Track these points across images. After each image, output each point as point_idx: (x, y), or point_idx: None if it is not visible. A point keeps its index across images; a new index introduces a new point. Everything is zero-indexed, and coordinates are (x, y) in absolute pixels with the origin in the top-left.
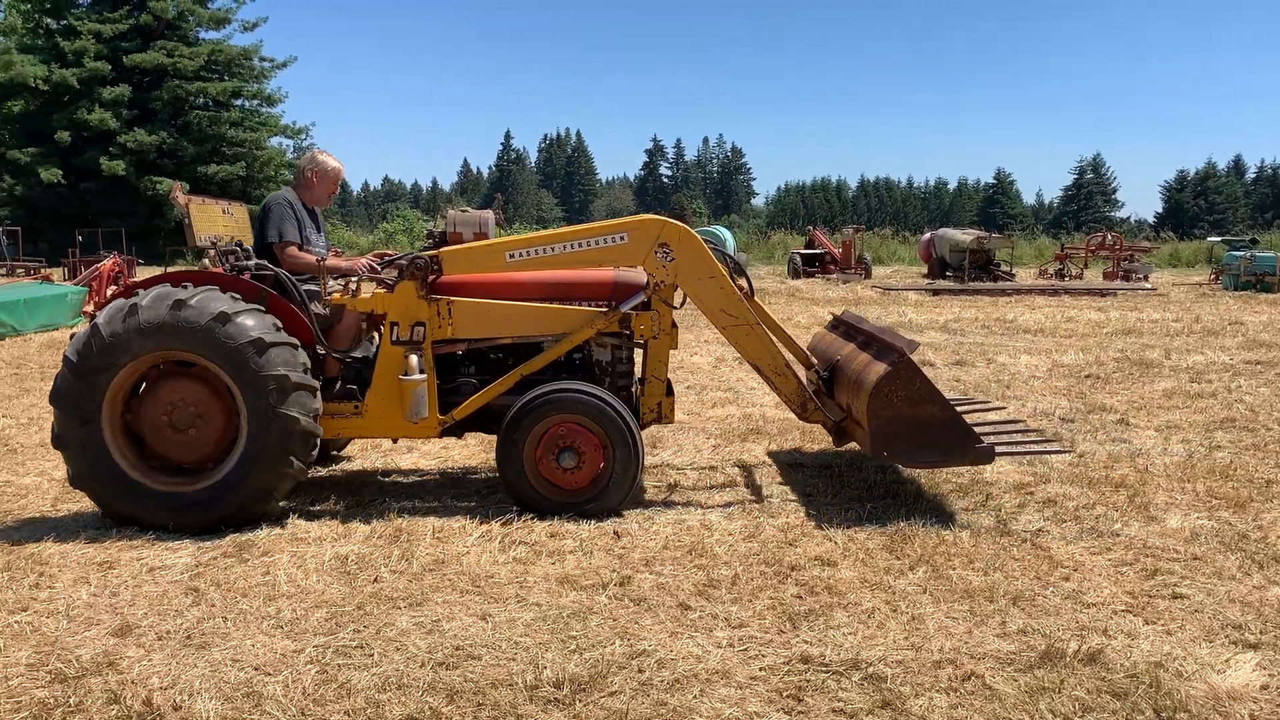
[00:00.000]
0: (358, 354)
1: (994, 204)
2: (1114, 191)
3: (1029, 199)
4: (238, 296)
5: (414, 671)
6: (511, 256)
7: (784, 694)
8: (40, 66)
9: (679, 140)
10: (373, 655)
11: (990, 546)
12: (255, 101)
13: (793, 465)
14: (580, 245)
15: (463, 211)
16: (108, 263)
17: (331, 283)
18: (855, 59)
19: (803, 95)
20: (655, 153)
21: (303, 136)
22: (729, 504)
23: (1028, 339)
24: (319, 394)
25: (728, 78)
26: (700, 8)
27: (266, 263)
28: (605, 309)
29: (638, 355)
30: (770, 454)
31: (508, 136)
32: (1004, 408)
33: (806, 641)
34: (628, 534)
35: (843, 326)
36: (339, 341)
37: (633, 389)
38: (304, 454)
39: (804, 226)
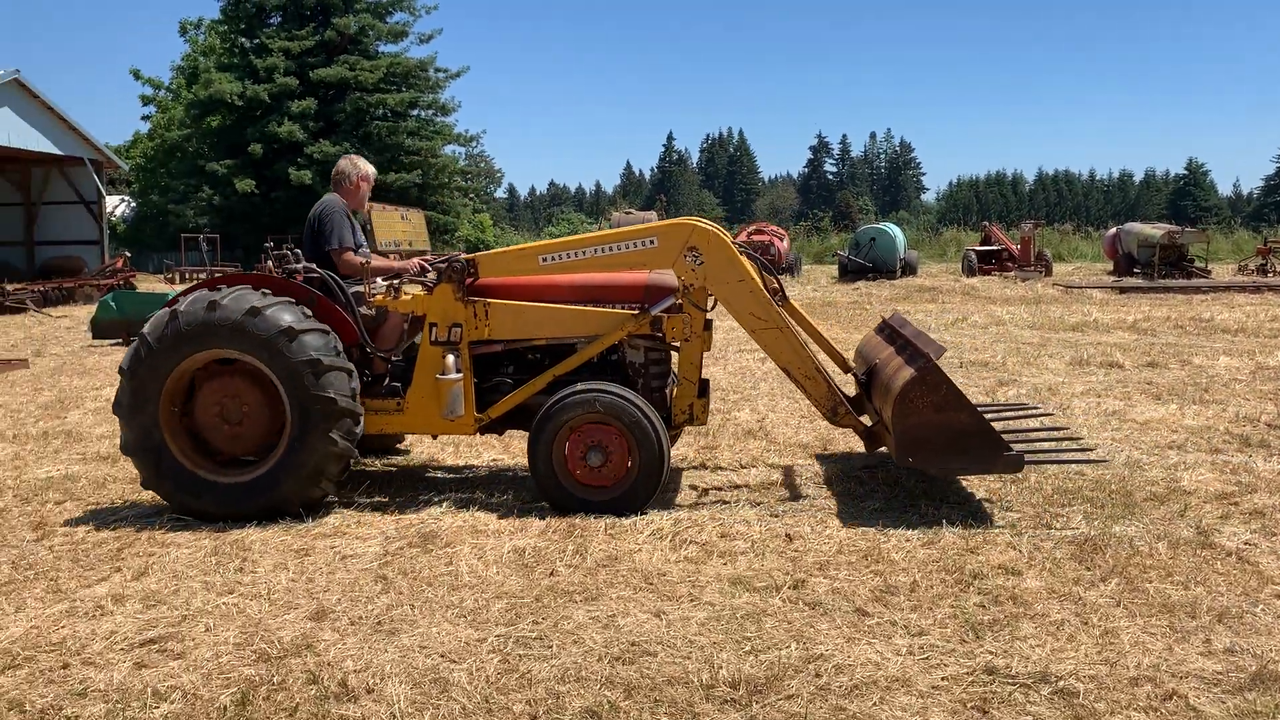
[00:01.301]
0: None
1: (1185, 196)
2: None
3: (1224, 190)
4: (268, 292)
5: (591, 665)
6: (544, 260)
7: (968, 705)
8: (236, 83)
9: (844, 136)
10: (551, 647)
11: (1190, 559)
12: (430, 111)
13: None
14: (611, 249)
15: (626, 213)
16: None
17: (379, 281)
18: (1029, 45)
19: (975, 86)
20: (819, 149)
21: (473, 144)
22: (906, 508)
23: (1227, 339)
24: (355, 374)
25: (896, 71)
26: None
27: (314, 265)
28: (636, 311)
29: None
30: None
31: (670, 138)
32: (1050, 414)
33: (991, 652)
34: (800, 537)
35: (886, 330)
36: (384, 341)
37: (667, 391)
38: (347, 433)
39: (978, 222)
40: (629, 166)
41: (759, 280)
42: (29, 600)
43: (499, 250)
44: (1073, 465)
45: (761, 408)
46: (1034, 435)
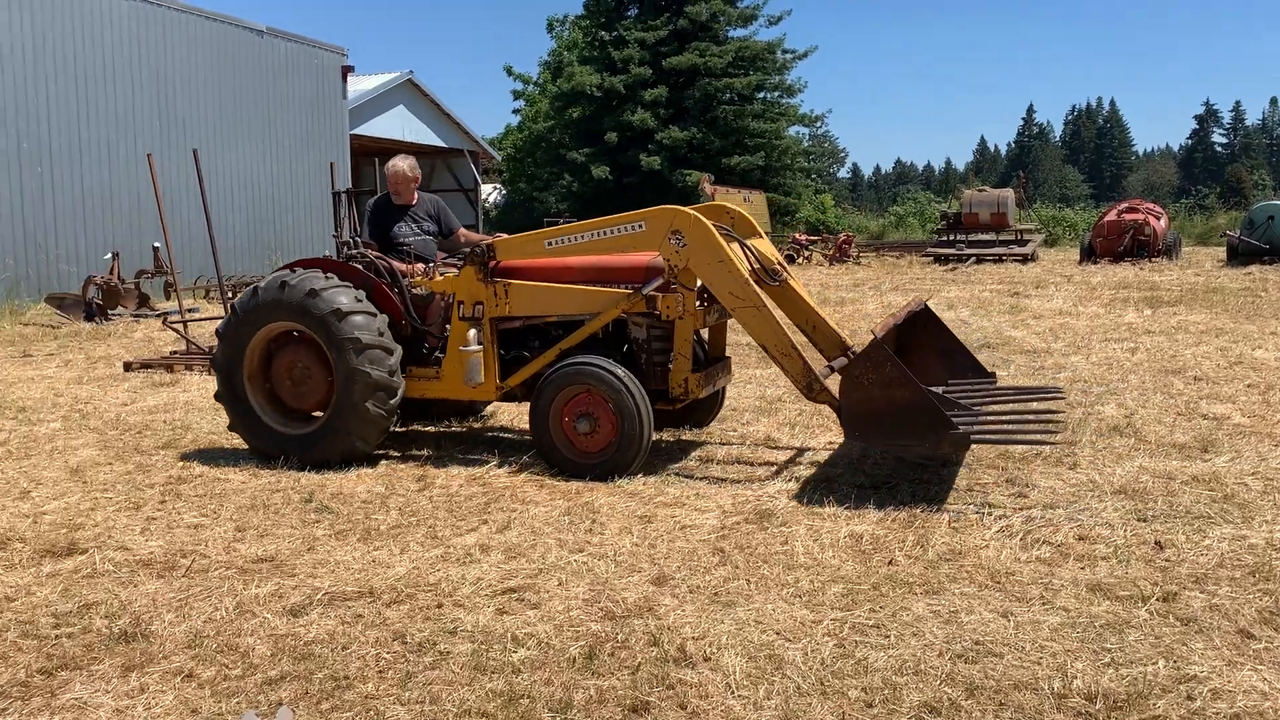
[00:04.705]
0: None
1: None
2: None
3: None
4: (331, 276)
5: (931, 660)
6: (549, 244)
7: None
8: (595, 75)
9: (1237, 103)
10: (889, 637)
11: None
12: (776, 93)
13: None
14: (605, 234)
15: (979, 191)
16: None
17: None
18: None
19: None
20: (1206, 118)
21: (818, 125)
22: None
23: None
24: (395, 354)
25: None
26: None
27: (368, 252)
28: (631, 291)
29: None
30: None
31: (1030, 110)
32: (1061, 396)
33: None
34: (1172, 545)
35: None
36: (430, 318)
37: (670, 366)
38: (381, 403)
39: None
40: (983, 142)
41: (741, 263)
42: (411, 544)
43: (513, 236)
44: (1026, 446)
45: (1130, 402)
46: (1005, 417)
